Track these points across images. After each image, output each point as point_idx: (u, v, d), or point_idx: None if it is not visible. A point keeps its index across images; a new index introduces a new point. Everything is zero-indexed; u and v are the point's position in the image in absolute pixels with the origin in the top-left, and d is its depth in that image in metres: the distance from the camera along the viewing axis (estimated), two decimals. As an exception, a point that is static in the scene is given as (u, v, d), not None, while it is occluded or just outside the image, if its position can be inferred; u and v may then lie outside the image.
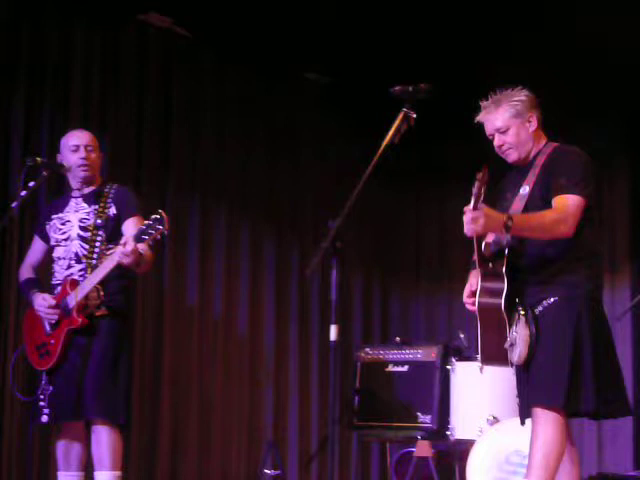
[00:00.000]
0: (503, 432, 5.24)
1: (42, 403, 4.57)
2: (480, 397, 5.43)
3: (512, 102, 4.11)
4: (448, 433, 5.89)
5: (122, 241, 4.38)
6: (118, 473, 4.57)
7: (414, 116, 3.86)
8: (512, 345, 3.87)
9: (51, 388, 4.57)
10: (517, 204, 4.04)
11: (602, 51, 6.63)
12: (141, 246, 4.35)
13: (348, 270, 7.70)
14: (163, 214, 4.28)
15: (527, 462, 3.88)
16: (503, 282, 3.89)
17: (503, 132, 4.10)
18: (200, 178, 7.06)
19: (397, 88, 3.84)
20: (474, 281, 4.03)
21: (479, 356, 3.99)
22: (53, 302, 4.59)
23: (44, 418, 4.59)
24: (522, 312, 3.88)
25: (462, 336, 6.13)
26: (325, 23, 6.64)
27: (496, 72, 6.93)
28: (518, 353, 3.86)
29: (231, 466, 7.06)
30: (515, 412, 5.66)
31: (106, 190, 4.73)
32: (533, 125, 4.12)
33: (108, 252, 4.50)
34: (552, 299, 3.94)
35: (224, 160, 7.23)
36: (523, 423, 4.04)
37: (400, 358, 6.31)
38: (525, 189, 4.04)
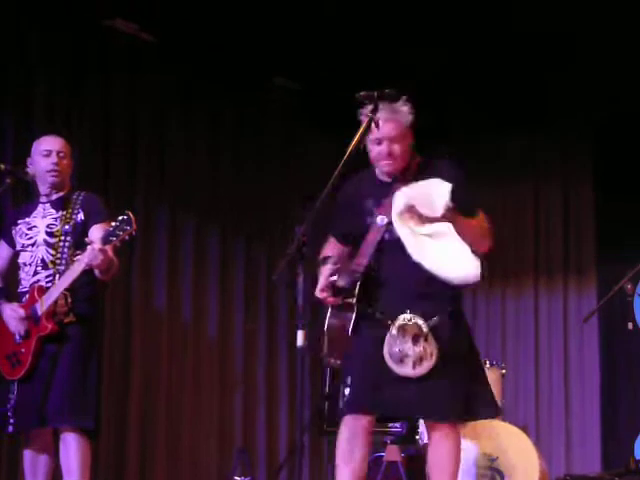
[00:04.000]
0: (471, 436, 5.26)
1: (9, 413, 4.53)
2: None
3: (407, 111, 4.03)
4: (417, 437, 5.91)
5: (88, 241, 4.36)
6: (86, 483, 4.55)
7: (380, 121, 3.87)
8: (415, 358, 3.89)
9: (15, 397, 4.53)
10: (373, 234, 4.05)
11: (566, 53, 6.69)
12: (109, 248, 4.33)
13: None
14: (130, 215, 4.26)
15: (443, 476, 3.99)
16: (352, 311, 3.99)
17: (393, 141, 4.02)
18: (168, 185, 7.03)
19: (363, 93, 3.84)
20: (327, 274, 4.04)
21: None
22: (22, 313, 4.55)
23: (10, 429, 4.56)
24: (425, 328, 3.90)
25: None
26: (293, 29, 6.64)
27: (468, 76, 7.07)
28: (426, 367, 3.88)
29: (201, 473, 7.04)
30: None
31: (74, 197, 4.71)
32: (411, 139, 4.09)
33: (75, 258, 4.47)
34: (443, 314, 3.97)
35: (192, 167, 7.21)
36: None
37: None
38: (383, 220, 4.02)
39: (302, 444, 3.52)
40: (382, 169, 4.11)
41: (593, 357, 7.70)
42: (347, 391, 3.98)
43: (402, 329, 3.91)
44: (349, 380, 4.00)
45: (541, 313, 8.00)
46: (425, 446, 5.78)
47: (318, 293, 4.03)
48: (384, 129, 3.95)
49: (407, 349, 3.89)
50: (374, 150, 4.06)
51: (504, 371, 6.00)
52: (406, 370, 3.89)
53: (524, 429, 5.84)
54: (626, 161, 7.56)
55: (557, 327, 7.91)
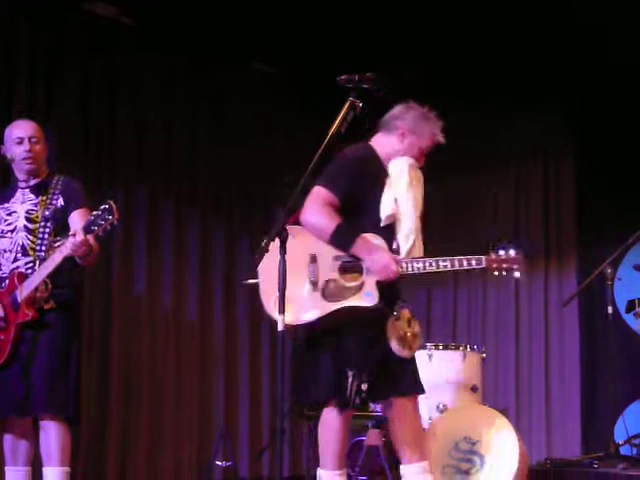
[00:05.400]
0: (452, 420, 5.27)
1: None
2: (429, 385, 5.46)
3: None
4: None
5: (71, 232, 4.34)
6: (66, 469, 4.53)
7: (360, 105, 3.86)
8: (411, 338, 4.19)
9: None
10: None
11: (552, 44, 6.70)
12: (91, 237, 4.31)
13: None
14: (112, 204, 4.24)
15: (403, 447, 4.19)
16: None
17: None
18: (147, 170, 7.02)
19: (343, 77, 3.83)
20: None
21: None
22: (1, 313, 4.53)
23: None
24: (412, 312, 4.21)
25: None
26: (272, 11, 6.62)
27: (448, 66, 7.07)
28: (418, 345, 4.22)
29: (183, 457, 7.04)
30: (464, 399, 5.74)
31: (53, 181, 4.67)
32: None
33: (55, 244, 4.45)
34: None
35: (172, 151, 7.20)
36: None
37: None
38: None
39: (282, 429, 3.52)
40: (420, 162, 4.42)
41: (573, 341, 7.72)
42: (364, 386, 4.11)
43: (400, 313, 4.15)
44: (365, 376, 4.11)
45: (522, 297, 8.02)
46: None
47: (394, 267, 4.11)
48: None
49: (406, 331, 4.15)
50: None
51: (484, 355, 6.01)
52: (405, 352, 4.15)
53: (504, 412, 5.85)
54: (608, 147, 7.57)
55: (537, 311, 7.93)
